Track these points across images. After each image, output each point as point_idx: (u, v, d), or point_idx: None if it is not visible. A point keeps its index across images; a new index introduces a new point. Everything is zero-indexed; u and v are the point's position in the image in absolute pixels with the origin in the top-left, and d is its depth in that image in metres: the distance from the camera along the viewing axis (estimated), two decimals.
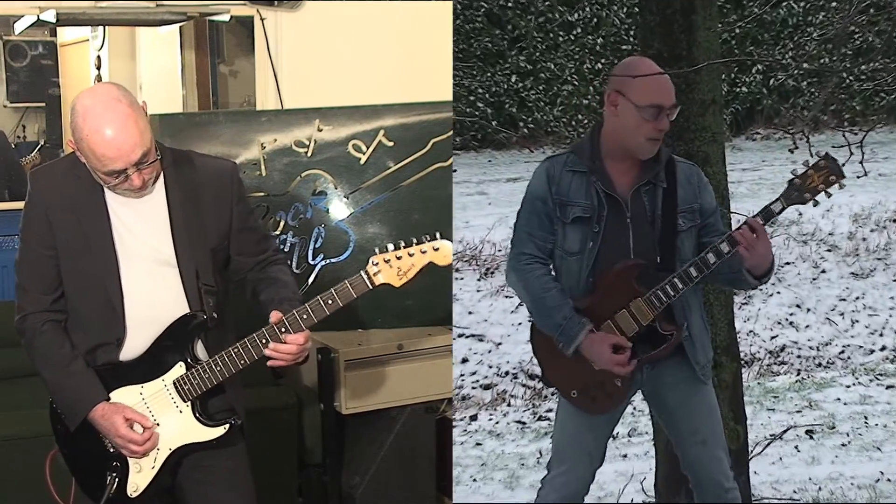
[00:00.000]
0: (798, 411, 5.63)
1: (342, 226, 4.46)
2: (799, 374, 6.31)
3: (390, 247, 2.76)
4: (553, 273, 3.16)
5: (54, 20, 4.91)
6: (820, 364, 6.47)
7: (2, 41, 5.83)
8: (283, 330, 2.77)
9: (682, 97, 3.74)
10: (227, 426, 2.86)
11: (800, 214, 7.93)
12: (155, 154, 2.72)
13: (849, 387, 6.02)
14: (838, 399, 5.81)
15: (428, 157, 4.47)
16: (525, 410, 5.79)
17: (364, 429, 4.31)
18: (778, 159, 10.73)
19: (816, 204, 2.99)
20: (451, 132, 4.51)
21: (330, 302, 2.76)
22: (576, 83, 11.02)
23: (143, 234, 2.82)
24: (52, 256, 2.81)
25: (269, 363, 2.83)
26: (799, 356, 6.59)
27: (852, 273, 7.52)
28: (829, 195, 2.99)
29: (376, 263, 2.76)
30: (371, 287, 2.77)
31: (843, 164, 2.99)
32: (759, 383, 6.12)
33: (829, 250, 7.78)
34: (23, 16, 5.27)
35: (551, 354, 3.14)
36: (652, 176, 3.11)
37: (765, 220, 2.99)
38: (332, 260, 4.42)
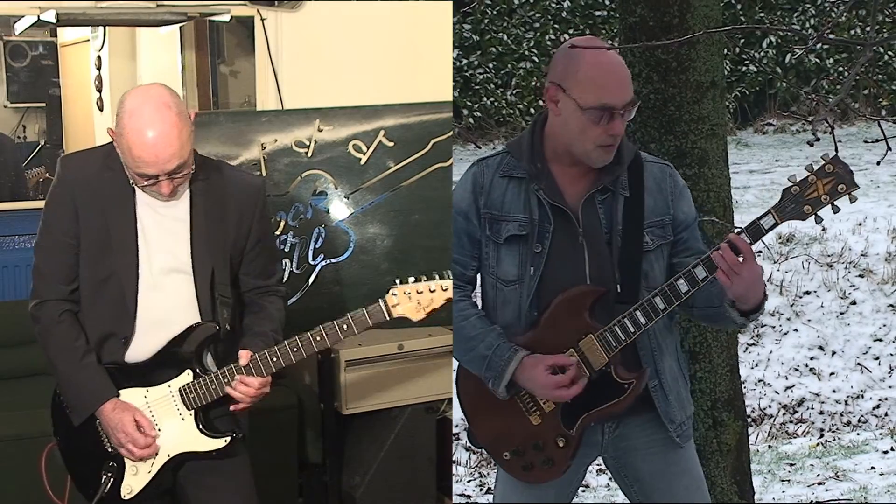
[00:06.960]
0: (821, 483, 4.67)
1: (342, 226, 4.46)
2: (822, 436, 5.33)
3: (411, 279, 2.71)
4: (480, 302, 2.68)
5: (54, 20, 4.91)
6: (849, 423, 5.50)
7: (2, 41, 5.81)
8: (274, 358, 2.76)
9: (673, 78, 3.21)
10: (229, 439, 2.85)
11: (823, 230, 6.43)
12: (190, 167, 2.72)
13: (886, 452, 5.03)
14: (872, 468, 4.80)
15: (428, 158, 4.47)
16: (470, 481, 4.93)
17: (364, 429, 4.31)
18: (796, 158, 8.99)
19: (820, 220, 2.45)
20: (452, 132, 4.51)
21: (346, 328, 2.76)
22: (535, 59, 9.04)
23: (163, 238, 2.82)
24: (73, 245, 2.79)
25: (231, 407, 2.82)
26: (822, 412, 5.55)
27: (891, 306, 6.20)
28: (836, 210, 2.44)
29: (395, 294, 2.72)
30: (388, 318, 2.74)
31: (878, 164, 2.52)
32: (770, 447, 5.16)
33: (862, 276, 6.40)
34: (23, 16, 5.27)
35: (478, 403, 2.62)
36: (610, 181, 2.54)
37: (752, 239, 2.41)
38: (333, 260, 4.43)
